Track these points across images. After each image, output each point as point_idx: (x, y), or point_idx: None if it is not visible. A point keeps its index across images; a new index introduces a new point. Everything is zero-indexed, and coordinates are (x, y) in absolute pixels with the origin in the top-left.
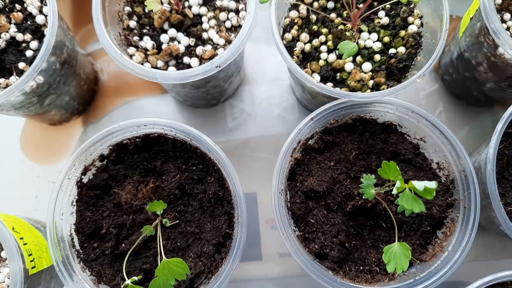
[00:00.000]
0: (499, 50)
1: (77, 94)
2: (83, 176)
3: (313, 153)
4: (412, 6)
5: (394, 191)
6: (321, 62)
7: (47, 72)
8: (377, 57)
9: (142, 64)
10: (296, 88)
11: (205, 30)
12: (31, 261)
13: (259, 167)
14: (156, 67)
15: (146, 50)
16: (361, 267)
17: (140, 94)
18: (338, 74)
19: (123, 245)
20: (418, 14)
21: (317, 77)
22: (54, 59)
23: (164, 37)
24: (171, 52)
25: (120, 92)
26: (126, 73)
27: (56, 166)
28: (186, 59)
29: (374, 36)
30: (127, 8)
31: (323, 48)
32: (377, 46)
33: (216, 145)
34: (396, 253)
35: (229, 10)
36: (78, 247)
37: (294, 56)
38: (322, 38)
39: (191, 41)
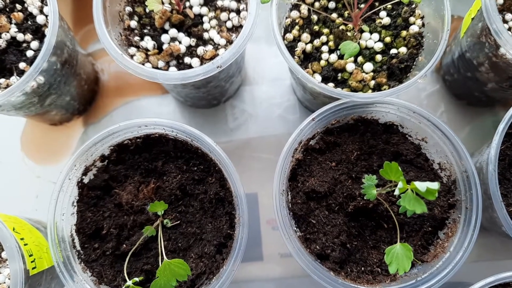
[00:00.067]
0: (501, 50)
1: (77, 94)
2: (83, 177)
3: (314, 154)
4: (413, 6)
5: (396, 192)
6: (323, 62)
7: (47, 72)
8: (379, 57)
9: (143, 64)
10: (297, 89)
11: (206, 30)
12: (31, 261)
13: (260, 168)
14: (157, 68)
15: (147, 50)
16: (362, 268)
17: (140, 94)
18: (340, 75)
19: (124, 245)
20: (419, 14)
21: (318, 77)
22: (54, 59)
23: (165, 37)
24: (172, 52)
25: (121, 92)
26: (126, 73)
27: (56, 166)
28: (187, 59)
29: (376, 36)
30: (128, 8)
31: (324, 48)
32: (379, 46)
33: (217, 145)
34: (398, 254)
35: (230, 10)
36: (79, 248)
37: (295, 57)
38: (323, 38)
39: (192, 41)
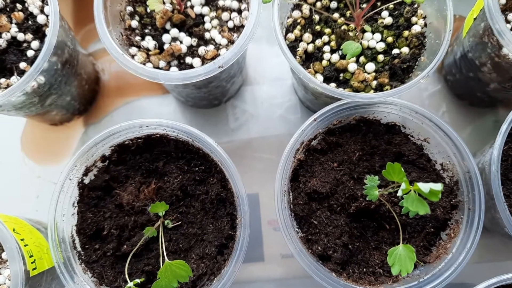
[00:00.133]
0: (503, 50)
1: (78, 94)
2: (84, 177)
3: (316, 154)
4: (415, 6)
5: (399, 193)
6: (324, 62)
7: (48, 72)
8: (381, 57)
9: (144, 64)
10: (299, 88)
11: (208, 30)
12: (32, 262)
13: (261, 168)
14: (158, 68)
15: (148, 50)
16: (364, 269)
17: (141, 94)
18: (341, 75)
19: (125, 246)
20: (421, 14)
21: (320, 77)
22: (55, 59)
23: (166, 37)
24: (173, 52)
25: (122, 92)
26: (127, 73)
27: (57, 166)
28: (188, 59)
29: (378, 36)
30: (129, 8)
31: (326, 48)
32: (381, 46)
33: (218, 146)
34: (400, 256)
35: (231, 10)
36: (79, 249)
37: (297, 57)
38: (325, 38)
39: (193, 41)
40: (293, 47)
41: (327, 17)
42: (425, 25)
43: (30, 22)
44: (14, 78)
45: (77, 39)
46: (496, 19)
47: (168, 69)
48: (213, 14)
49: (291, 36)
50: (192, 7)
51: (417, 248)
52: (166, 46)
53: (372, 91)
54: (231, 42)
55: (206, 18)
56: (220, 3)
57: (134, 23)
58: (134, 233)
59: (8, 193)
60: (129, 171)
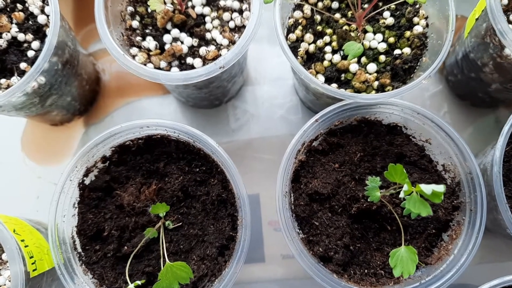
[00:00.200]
0: (506, 51)
1: (78, 94)
2: (85, 178)
3: (317, 155)
4: (417, 6)
5: (401, 195)
6: (326, 63)
7: (48, 72)
8: (382, 58)
9: (145, 64)
10: (300, 89)
11: (209, 31)
12: (32, 263)
13: (261, 168)
14: (159, 68)
15: (149, 50)
16: (366, 270)
17: (142, 95)
18: (343, 75)
19: (126, 247)
20: (423, 15)
21: (321, 78)
22: (56, 60)
23: (167, 38)
24: (174, 52)
25: (122, 92)
26: (128, 73)
27: (57, 167)
28: (189, 60)
29: (379, 36)
30: (130, 8)
31: (328, 48)
32: (382, 47)
33: (219, 146)
34: (402, 257)
35: (232, 10)
36: (80, 250)
37: (298, 57)
38: (327, 38)
39: (194, 42)
40: (294, 47)
41: (329, 18)
42: (427, 25)
43: (30, 22)
44: (14, 79)
45: (77, 39)
46: (498, 20)
47: (169, 70)
48: (214, 14)
49: (293, 36)
50: (193, 7)
51: (419, 249)
52: (167, 47)
53: (373, 91)
54: (232, 42)
55: (207, 19)
56: (221, 3)
57: (135, 23)
58: (134, 234)
59: (8, 193)
60: (129, 172)
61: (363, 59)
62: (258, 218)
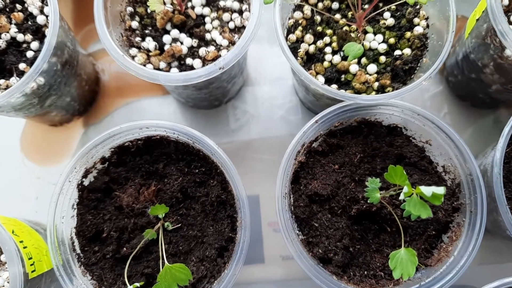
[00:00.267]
0: (506, 52)
1: (78, 95)
2: (84, 179)
3: (317, 156)
4: (418, 7)
5: (401, 196)
6: (326, 63)
7: (48, 73)
8: (383, 58)
9: (144, 65)
10: (300, 90)
11: (208, 31)
12: (31, 264)
13: (261, 169)
14: (158, 69)
15: (148, 51)
16: (365, 272)
17: (141, 95)
18: (343, 76)
19: (125, 249)
20: (424, 15)
21: (321, 78)
22: (55, 60)
23: (166, 38)
24: (173, 53)
25: (122, 93)
26: (127, 73)
27: (56, 167)
28: (189, 60)
29: (380, 37)
30: (129, 9)
31: (328, 49)
32: (383, 47)
33: (219, 147)
34: (402, 259)
35: (232, 11)
36: (78, 251)
37: (298, 58)
38: (327, 39)
39: (194, 42)
40: (294, 48)
41: (329, 18)
42: (427, 26)
43: (29, 23)
44: (13, 79)
45: (77, 39)
46: (499, 20)
47: (168, 70)
48: (214, 15)
49: (293, 37)
50: (192, 7)
51: (419, 250)
52: (166, 47)
53: (373, 92)
54: (232, 43)
55: (207, 19)
56: (221, 4)
57: (135, 24)
58: (133, 235)
59: (7, 194)
60: (129, 173)
61: (363, 60)
62: (257, 219)
